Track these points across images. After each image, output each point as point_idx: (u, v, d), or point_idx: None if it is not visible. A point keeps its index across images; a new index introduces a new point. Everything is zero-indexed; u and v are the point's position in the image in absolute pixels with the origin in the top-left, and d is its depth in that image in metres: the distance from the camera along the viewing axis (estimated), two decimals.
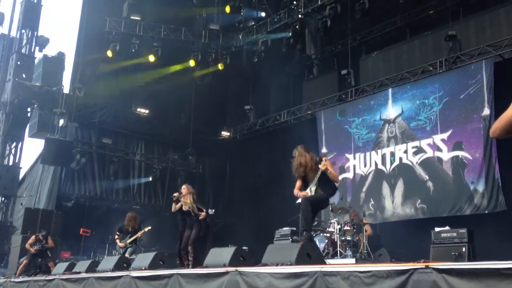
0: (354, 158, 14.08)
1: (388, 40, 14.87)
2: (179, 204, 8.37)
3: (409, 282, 3.37)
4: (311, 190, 5.84)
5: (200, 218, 8.44)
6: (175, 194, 8.46)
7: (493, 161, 10.95)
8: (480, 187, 11.07)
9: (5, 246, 13.16)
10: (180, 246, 8.40)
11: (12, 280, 9.50)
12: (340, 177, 13.77)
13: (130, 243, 10.14)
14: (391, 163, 13.03)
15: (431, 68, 12.74)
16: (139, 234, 10.19)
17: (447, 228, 8.13)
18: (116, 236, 10.38)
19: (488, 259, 3.11)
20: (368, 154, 13.72)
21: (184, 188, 8.54)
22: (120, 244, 10.22)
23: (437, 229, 8.19)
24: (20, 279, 9.42)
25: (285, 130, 16.48)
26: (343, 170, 14.19)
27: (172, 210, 8.45)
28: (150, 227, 10.42)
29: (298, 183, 6.05)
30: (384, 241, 10.84)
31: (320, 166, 5.82)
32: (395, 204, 12.67)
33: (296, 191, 6.01)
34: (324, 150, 14.76)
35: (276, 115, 16.90)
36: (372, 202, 13.18)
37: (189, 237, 8.28)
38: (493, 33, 11.92)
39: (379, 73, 14.39)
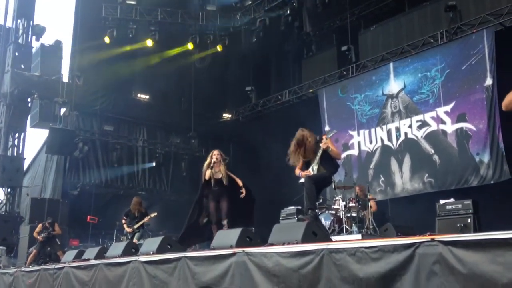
0: (358, 134, 14.03)
1: (386, 13, 14.67)
2: (212, 170, 7.28)
3: (415, 256, 3.37)
4: (313, 169, 5.83)
5: (242, 196, 7.33)
6: (214, 160, 7.30)
7: (497, 130, 10.91)
8: (486, 158, 11.05)
9: (13, 236, 13.28)
10: (198, 219, 7.36)
11: (23, 269, 9.59)
12: (344, 154, 13.79)
13: (137, 228, 10.23)
14: (397, 139, 12.99)
15: (431, 40, 12.60)
16: (145, 219, 10.26)
17: (452, 200, 8.14)
18: (123, 221, 10.46)
19: (494, 230, 3.10)
20: (373, 130, 13.66)
21: (217, 154, 7.36)
22: (127, 229, 10.31)
23: (442, 201, 8.20)
24: (30, 268, 9.49)
25: (287, 109, 16.41)
26: (346, 147, 14.16)
27: (206, 177, 7.31)
28: (156, 213, 10.49)
29: (300, 163, 6.02)
30: (390, 216, 10.89)
31: (321, 144, 5.80)
32: (404, 179, 12.68)
33: (297, 171, 6.00)
34: (327, 128, 14.72)
35: (277, 95, 16.82)
36: (382, 178, 13.17)
37: (217, 209, 7.24)
38: (493, 2, 11.77)
39: (378, 48, 14.25)
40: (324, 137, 5.88)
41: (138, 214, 10.33)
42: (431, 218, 8.36)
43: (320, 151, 5.80)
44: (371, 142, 13.70)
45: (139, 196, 11.39)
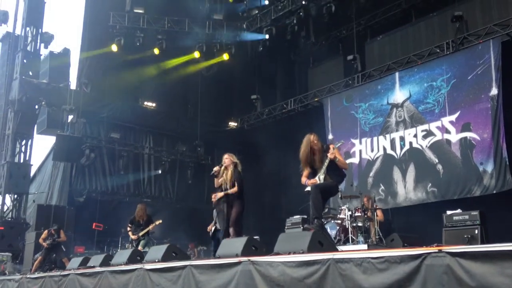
0: (360, 143, 14.03)
1: (393, 23, 14.72)
2: (221, 179, 7.09)
3: (422, 267, 3.36)
4: (319, 178, 5.84)
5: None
6: (215, 168, 7.20)
7: (501, 140, 10.88)
8: (489, 168, 11.01)
9: (19, 243, 13.31)
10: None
11: (28, 276, 9.60)
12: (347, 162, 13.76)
13: (142, 235, 10.23)
14: (401, 148, 12.95)
15: (438, 50, 12.61)
16: (150, 227, 10.25)
17: (459, 211, 8.08)
18: (128, 228, 10.45)
19: (501, 241, 3.08)
20: (375, 138, 13.65)
21: (226, 158, 7.14)
22: (133, 236, 10.30)
23: (449, 212, 8.14)
24: (36, 275, 9.50)
25: (292, 118, 16.44)
26: (348, 155, 14.14)
27: (216, 185, 7.18)
28: (160, 221, 10.47)
29: (306, 171, 6.04)
30: (396, 226, 10.84)
31: (328, 154, 5.81)
32: (407, 189, 12.62)
33: (304, 179, 6.00)
34: (330, 136, 14.74)
35: (283, 103, 16.84)
36: (382, 187, 13.12)
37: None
38: (500, 12, 11.79)
39: (385, 57, 14.29)
40: (331, 146, 5.89)
41: (143, 222, 10.32)
42: (437, 228, 8.30)
43: (327, 160, 5.80)
44: (372, 151, 13.67)
45: (144, 203, 11.37)
